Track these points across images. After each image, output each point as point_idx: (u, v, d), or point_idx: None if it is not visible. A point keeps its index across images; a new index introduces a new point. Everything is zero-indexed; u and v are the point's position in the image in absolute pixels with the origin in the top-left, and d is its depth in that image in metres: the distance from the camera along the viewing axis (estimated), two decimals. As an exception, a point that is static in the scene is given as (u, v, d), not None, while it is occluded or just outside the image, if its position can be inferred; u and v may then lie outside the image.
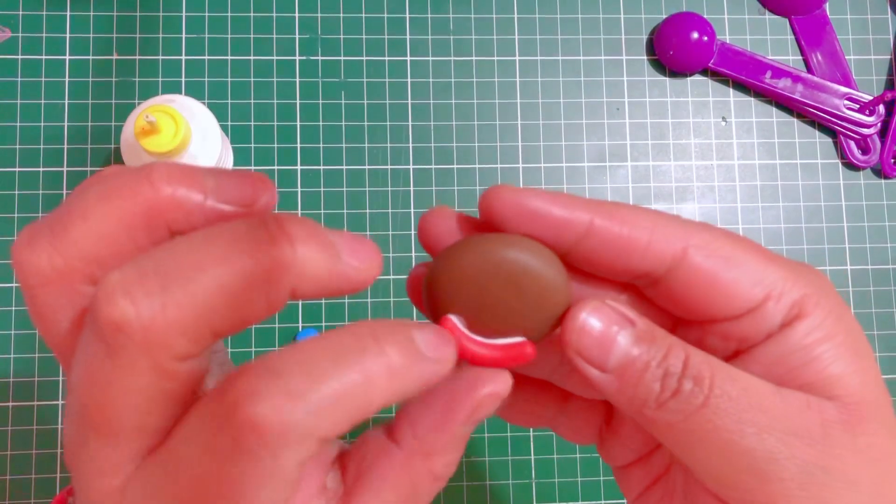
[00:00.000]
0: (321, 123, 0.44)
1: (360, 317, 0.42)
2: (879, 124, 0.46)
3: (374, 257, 0.17)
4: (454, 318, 0.19)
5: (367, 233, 0.43)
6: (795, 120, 0.47)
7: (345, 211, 0.43)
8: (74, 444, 0.16)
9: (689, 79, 0.46)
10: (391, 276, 0.43)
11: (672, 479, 0.22)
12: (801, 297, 0.19)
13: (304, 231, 0.16)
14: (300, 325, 0.42)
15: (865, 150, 0.46)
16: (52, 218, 0.16)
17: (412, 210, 0.43)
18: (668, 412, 0.18)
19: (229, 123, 0.43)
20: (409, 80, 0.45)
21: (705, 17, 0.46)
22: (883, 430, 0.19)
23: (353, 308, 0.43)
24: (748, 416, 0.18)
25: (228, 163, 0.42)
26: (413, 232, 0.43)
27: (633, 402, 0.19)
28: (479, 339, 0.20)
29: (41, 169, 0.42)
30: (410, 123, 0.44)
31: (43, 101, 0.43)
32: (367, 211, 0.43)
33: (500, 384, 0.18)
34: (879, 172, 0.46)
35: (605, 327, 0.19)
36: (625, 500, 0.43)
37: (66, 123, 0.43)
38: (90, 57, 0.43)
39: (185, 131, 0.37)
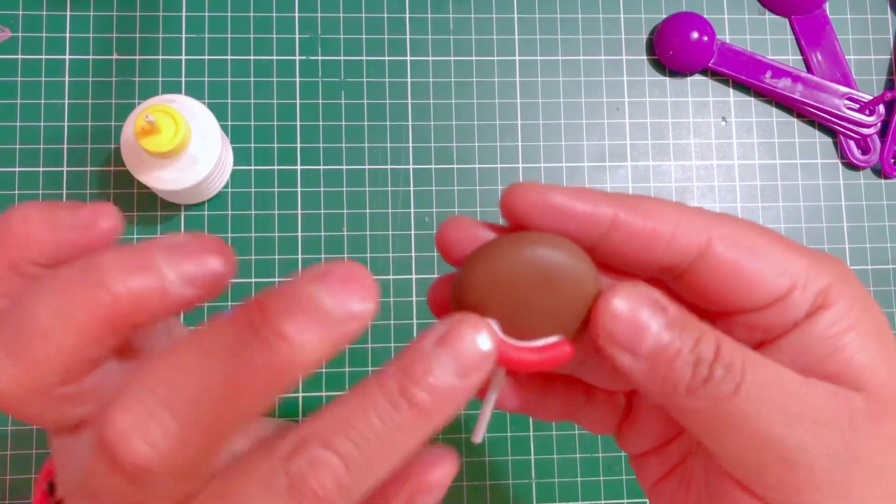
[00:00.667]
0: (321, 123, 0.44)
1: (360, 317, 0.42)
2: (879, 124, 0.46)
3: (368, 292, 0.16)
4: (492, 323, 0.19)
5: (367, 232, 0.43)
6: (795, 120, 0.47)
7: (345, 211, 0.43)
8: None
9: (688, 79, 0.46)
10: (391, 277, 0.43)
11: (689, 469, 0.22)
12: (826, 286, 0.19)
13: (296, 320, 0.15)
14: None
15: (865, 150, 0.46)
16: (4, 337, 0.16)
17: (412, 210, 0.43)
18: (698, 399, 0.18)
19: (229, 123, 0.43)
20: (408, 79, 0.45)
21: (705, 16, 0.46)
22: None
23: (353, 308, 0.43)
24: (779, 404, 0.18)
25: (228, 163, 0.42)
26: (413, 232, 0.43)
27: (663, 388, 0.18)
28: (516, 343, 0.19)
29: (41, 169, 0.42)
30: (410, 123, 0.44)
31: (43, 101, 0.43)
32: (367, 211, 0.43)
33: (447, 467, 0.18)
34: (879, 172, 0.46)
35: (637, 312, 0.18)
36: (624, 501, 0.43)
37: (65, 123, 0.43)
38: (90, 57, 0.43)
39: (185, 131, 0.36)
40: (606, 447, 0.43)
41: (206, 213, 0.43)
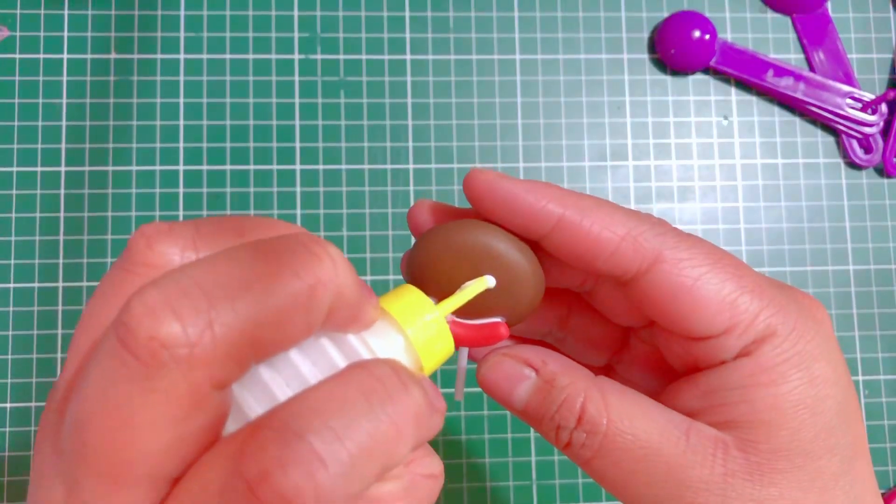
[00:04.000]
0: (320, 122, 0.44)
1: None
2: (882, 123, 0.46)
3: (377, 304, 0.17)
4: (432, 300, 0.20)
5: (367, 232, 0.43)
6: (797, 119, 0.46)
7: (344, 211, 0.43)
8: (58, 494, 0.14)
9: (690, 77, 0.46)
10: (391, 277, 0.43)
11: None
12: (767, 334, 0.19)
13: (340, 253, 0.15)
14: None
15: (868, 150, 0.46)
16: (200, 278, 0.14)
17: (412, 210, 0.43)
18: (569, 455, 0.19)
19: (228, 122, 0.43)
20: (408, 78, 0.44)
21: (707, 15, 0.46)
22: (805, 485, 0.18)
23: (353, 308, 0.42)
24: (641, 466, 0.18)
25: None
26: (413, 232, 0.43)
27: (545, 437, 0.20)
28: (456, 319, 0.20)
29: (39, 168, 0.42)
30: (410, 123, 0.44)
31: (41, 101, 0.43)
32: (367, 211, 0.43)
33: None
34: (882, 172, 0.46)
35: (505, 379, 0.20)
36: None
37: (63, 123, 0.42)
38: (88, 56, 0.43)
39: None
40: (607, 448, 0.43)
41: (204, 212, 0.42)
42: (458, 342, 0.20)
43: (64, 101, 0.43)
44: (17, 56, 0.43)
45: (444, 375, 0.42)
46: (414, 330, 0.18)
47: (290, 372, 0.16)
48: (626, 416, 0.19)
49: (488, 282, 0.20)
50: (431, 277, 0.20)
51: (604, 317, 0.23)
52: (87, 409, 0.13)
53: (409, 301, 0.19)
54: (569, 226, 0.19)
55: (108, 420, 0.13)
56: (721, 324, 0.19)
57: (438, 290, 0.20)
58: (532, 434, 0.42)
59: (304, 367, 0.16)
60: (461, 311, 0.20)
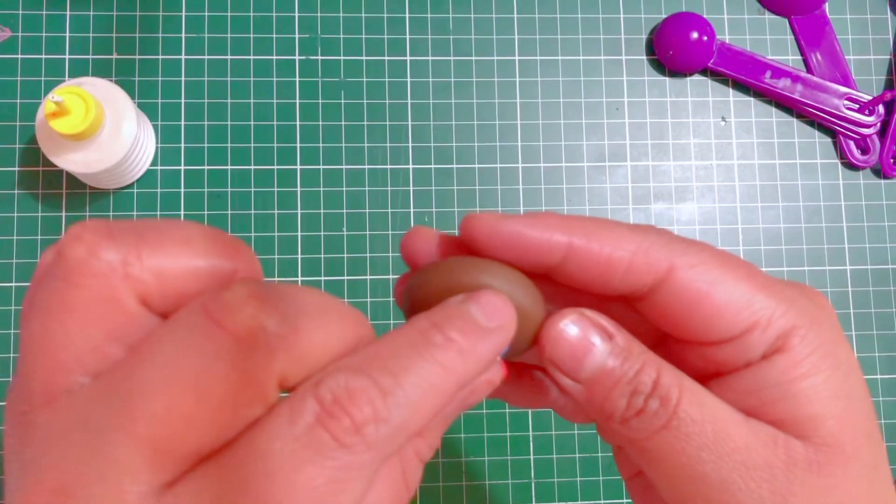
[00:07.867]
0: (321, 123, 0.44)
1: (360, 316, 0.42)
2: (879, 124, 0.46)
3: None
4: None
5: (367, 232, 0.43)
6: (795, 120, 0.47)
7: (344, 211, 0.43)
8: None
9: (688, 79, 0.46)
10: (391, 276, 0.43)
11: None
12: (789, 328, 0.19)
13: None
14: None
15: (865, 150, 0.46)
16: (139, 228, 0.16)
17: (412, 210, 0.43)
18: (630, 429, 0.18)
19: (229, 123, 0.43)
20: (408, 79, 0.45)
21: (705, 16, 0.46)
22: (854, 474, 0.18)
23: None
24: (709, 442, 0.18)
25: (149, 144, 0.41)
26: (412, 232, 0.43)
27: (600, 414, 0.19)
28: None
29: (40, 168, 0.42)
30: (410, 123, 0.44)
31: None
32: (367, 211, 0.43)
33: (493, 373, 0.19)
34: (879, 172, 0.46)
35: (581, 338, 0.19)
36: (624, 501, 0.43)
37: (65, 123, 0.43)
38: (90, 56, 0.43)
39: (96, 112, 0.36)
40: (606, 447, 0.43)
41: (205, 212, 0.43)
42: None
43: (66, 101, 0.43)
44: (19, 56, 0.43)
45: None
46: None
47: None
48: (696, 392, 0.18)
49: None
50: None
51: None
52: (26, 327, 0.16)
53: None
54: (579, 252, 0.19)
55: (42, 315, 0.16)
56: (742, 323, 0.19)
57: None
58: (531, 433, 0.43)
59: None
60: None
